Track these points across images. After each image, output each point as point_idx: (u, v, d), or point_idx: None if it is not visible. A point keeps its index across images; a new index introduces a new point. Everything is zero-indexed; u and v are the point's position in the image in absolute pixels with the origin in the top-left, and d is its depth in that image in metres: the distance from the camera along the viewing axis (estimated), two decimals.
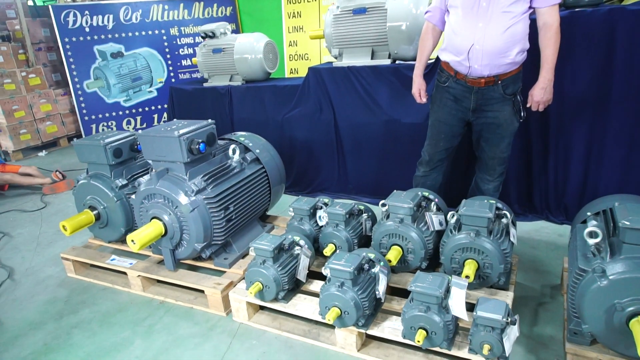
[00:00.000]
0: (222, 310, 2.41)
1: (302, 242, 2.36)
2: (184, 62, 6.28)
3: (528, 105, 2.46)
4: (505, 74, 2.39)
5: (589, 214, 2.05)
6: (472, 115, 2.56)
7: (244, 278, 2.37)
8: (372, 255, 2.12)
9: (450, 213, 2.25)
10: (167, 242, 2.49)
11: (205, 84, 4.21)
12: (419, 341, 1.77)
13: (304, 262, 2.31)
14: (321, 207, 2.64)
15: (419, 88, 2.68)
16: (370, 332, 2.01)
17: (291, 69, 5.81)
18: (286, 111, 3.85)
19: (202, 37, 4.09)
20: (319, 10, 5.59)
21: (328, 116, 3.69)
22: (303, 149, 3.86)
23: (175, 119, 2.73)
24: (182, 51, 6.23)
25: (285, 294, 2.23)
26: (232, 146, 2.72)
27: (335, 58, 3.72)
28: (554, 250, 2.79)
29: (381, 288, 2.02)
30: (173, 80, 6.23)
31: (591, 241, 1.74)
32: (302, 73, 5.07)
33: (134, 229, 2.74)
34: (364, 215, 2.60)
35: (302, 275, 2.29)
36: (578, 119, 2.92)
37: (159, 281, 2.69)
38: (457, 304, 1.77)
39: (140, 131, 2.49)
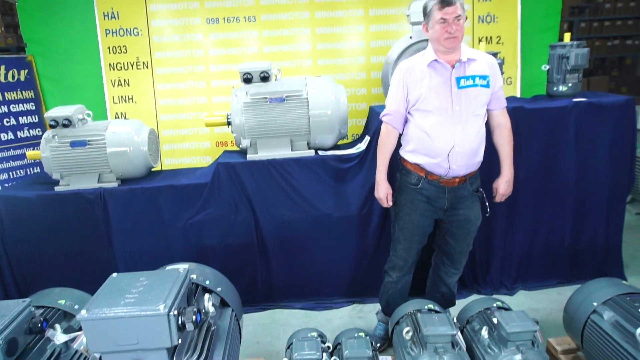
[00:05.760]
0: None
1: None
2: None
3: (494, 199, 2.63)
4: (472, 171, 2.50)
5: (595, 304, 2.25)
6: (443, 214, 2.57)
7: None
8: None
9: (484, 328, 2.16)
10: None
11: (58, 188, 3.02)
12: None
13: None
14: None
15: (386, 192, 2.59)
16: None
17: None
18: (190, 215, 3.11)
19: (51, 126, 2.96)
20: (152, 80, 4.83)
21: (247, 216, 3.15)
22: (215, 257, 3.17)
23: None
24: None
25: None
26: (207, 295, 1.99)
27: (239, 147, 3.25)
28: None
29: None
30: None
31: None
32: None
33: None
34: None
35: None
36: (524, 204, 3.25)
37: None
38: None
39: None
